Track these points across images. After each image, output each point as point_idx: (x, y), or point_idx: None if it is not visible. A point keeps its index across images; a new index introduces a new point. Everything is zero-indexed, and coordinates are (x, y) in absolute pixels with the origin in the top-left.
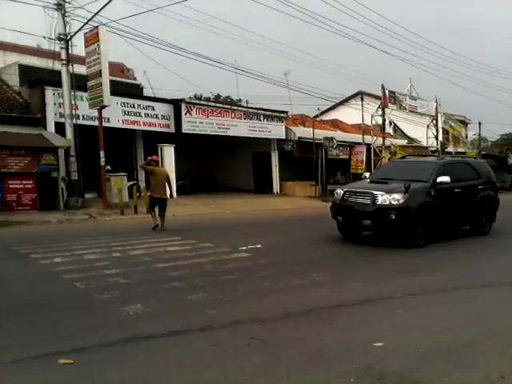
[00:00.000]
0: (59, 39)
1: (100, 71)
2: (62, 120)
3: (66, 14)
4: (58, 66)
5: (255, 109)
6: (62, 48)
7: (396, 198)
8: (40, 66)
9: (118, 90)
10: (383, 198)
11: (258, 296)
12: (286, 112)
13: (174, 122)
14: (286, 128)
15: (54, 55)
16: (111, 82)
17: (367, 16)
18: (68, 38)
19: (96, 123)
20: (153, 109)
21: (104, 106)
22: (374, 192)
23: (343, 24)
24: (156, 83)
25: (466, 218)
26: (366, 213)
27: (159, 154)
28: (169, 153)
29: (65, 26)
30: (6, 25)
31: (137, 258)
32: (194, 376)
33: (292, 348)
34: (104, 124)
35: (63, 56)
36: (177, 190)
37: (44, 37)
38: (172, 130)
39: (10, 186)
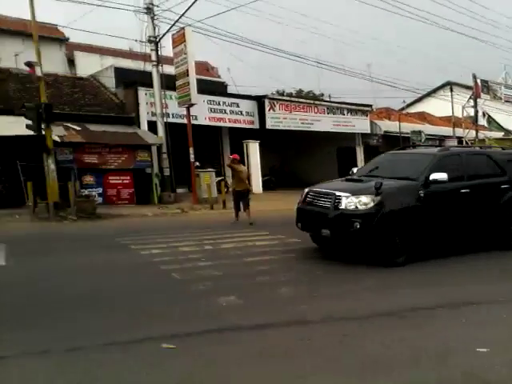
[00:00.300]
0: (149, 41)
1: (187, 70)
2: (153, 118)
3: (155, 17)
4: (148, 67)
5: (338, 103)
6: (152, 50)
7: (363, 202)
8: (133, 67)
9: (204, 88)
10: (348, 202)
11: (349, 293)
12: (371, 105)
13: (258, 118)
14: (371, 122)
15: (145, 57)
16: (197, 80)
17: (456, 2)
18: (157, 39)
19: (185, 121)
20: (237, 106)
21: (192, 104)
22: (337, 193)
23: (430, 11)
24: (239, 80)
25: (482, 226)
26: (325, 220)
27: (244, 150)
28: (254, 149)
29: (154, 29)
30: (102, 30)
31: (228, 251)
32: (291, 368)
33: (389, 348)
34: (192, 121)
35: (153, 57)
36: (262, 186)
37: (136, 40)
38: (256, 126)
39: (110, 181)
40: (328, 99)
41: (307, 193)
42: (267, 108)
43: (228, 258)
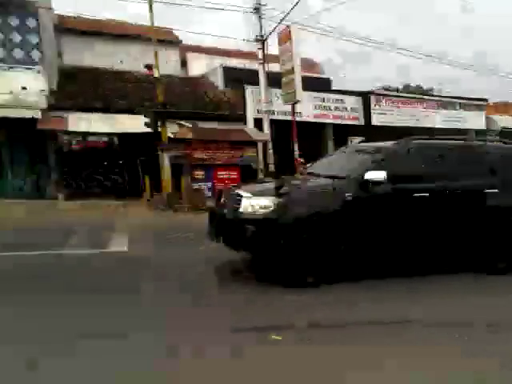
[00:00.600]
0: (256, 40)
1: (292, 68)
2: (259, 115)
3: (262, 17)
4: (255, 65)
5: (449, 97)
6: (259, 49)
7: (262, 205)
8: (240, 66)
9: (309, 84)
10: (246, 204)
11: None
12: (486, 99)
13: (362, 114)
14: (487, 117)
15: (251, 56)
16: (302, 77)
17: None
18: (264, 38)
19: (289, 118)
20: (342, 102)
21: (297, 101)
22: (240, 193)
23: None
24: (344, 76)
25: (452, 242)
26: (221, 225)
27: None
28: None
29: (261, 28)
30: (212, 31)
31: None
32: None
33: None
34: (296, 118)
35: (260, 56)
36: None
37: (244, 39)
38: (361, 122)
39: (219, 176)
40: (437, 93)
41: (219, 191)
42: (373, 104)
43: None
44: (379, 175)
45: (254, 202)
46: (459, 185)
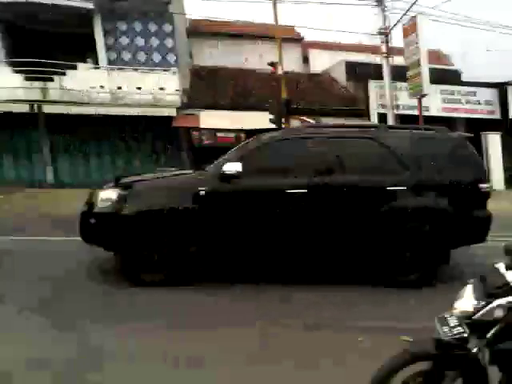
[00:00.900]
0: (380, 33)
1: (419, 60)
2: (383, 110)
3: (386, 9)
4: (378, 59)
5: None
6: (382, 42)
7: (106, 197)
8: (363, 61)
9: (436, 77)
10: (99, 196)
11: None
12: None
13: (499, 107)
14: None
15: (374, 49)
16: (429, 70)
17: None
18: (388, 31)
19: (416, 112)
20: (474, 94)
21: (424, 95)
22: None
23: None
24: (477, 67)
25: (338, 247)
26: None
27: (482, 142)
28: (494, 141)
29: (384, 20)
30: (334, 27)
31: None
32: None
33: None
34: (423, 113)
35: (384, 49)
36: (506, 182)
37: (367, 33)
38: (497, 116)
39: None
40: None
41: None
42: (511, 95)
43: None
44: (234, 167)
45: (103, 195)
46: (350, 181)
